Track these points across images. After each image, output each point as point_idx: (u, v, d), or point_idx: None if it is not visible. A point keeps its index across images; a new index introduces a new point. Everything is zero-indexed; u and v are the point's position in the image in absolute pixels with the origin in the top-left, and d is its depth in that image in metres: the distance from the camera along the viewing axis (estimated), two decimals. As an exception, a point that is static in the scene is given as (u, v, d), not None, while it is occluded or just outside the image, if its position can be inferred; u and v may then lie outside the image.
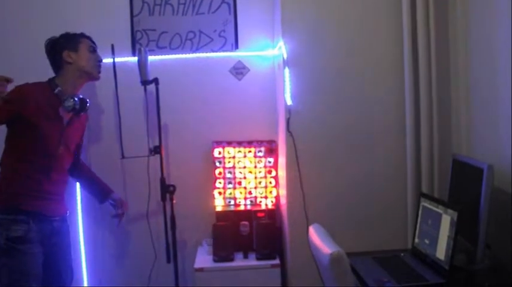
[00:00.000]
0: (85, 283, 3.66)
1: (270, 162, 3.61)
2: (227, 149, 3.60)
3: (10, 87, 2.61)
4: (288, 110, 3.18)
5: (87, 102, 3.00)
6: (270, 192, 3.61)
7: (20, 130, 2.77)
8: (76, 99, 2.90)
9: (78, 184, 3.57)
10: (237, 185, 3.61)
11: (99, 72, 3.09)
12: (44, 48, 2.98)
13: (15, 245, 2.66)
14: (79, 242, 3.62)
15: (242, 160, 3.61)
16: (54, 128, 2.87)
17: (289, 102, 3.17)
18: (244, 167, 3.61)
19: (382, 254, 2.76)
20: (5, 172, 2.82)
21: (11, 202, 2.74)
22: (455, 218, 2.35)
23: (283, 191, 3.46)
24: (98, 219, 3.64)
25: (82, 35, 3.04)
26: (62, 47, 2.93)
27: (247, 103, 3.67)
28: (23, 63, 3.07)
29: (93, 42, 3.08)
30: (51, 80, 2.92)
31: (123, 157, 3.48)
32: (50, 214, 2.88)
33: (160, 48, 3.64)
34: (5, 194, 2.77)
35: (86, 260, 3.66)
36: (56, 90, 2.86)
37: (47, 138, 2.83)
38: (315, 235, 2.41)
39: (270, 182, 3.61)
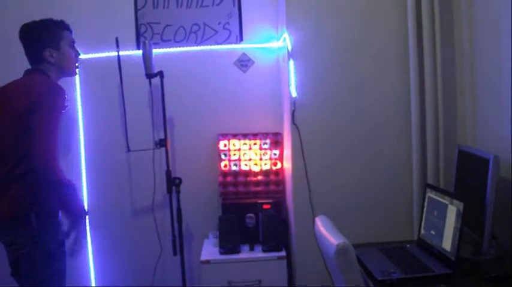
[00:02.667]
0: (92, 276, 3.68)
1: (275, 154, 3.61)
2: (232, 141, 3.60)
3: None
4: (293, 102, 3.18)
5: None
6: (276, 184, 3.61)
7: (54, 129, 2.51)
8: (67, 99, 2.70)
9: (84, 181, 3.60)
10: (242, 177, 3.61)
11: (77, 68, 2.85)
12: (19, 33, 2.70)
13: (62, 247, 2.58)
14: (85, 235, 3.63)
15: (247, 152, 3.61)
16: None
17: (294, 94, 3.17)
18: (250, 160, 3.61)
19: (388, 245, 2.75)
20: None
21: (56, 205, 2.57)
22: (461, 209, 2.35)
23: (288, 183, 3.46)
24: (104, 213, 3.66)
25: (63, 27, 2.75)
26: (43, 44, 2.66)
27: (252, 95, 3.67)
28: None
29: (71, 32, 2.80)
30: (46, 74, 2.67)
31: (128, 150, 3.49)
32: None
33: (164, 41, 3.64)
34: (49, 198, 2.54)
35: (93, 254, 3.68)
36: None
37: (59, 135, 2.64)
38: (320, 226, 2.41)
39: (276, 174, 3.61)
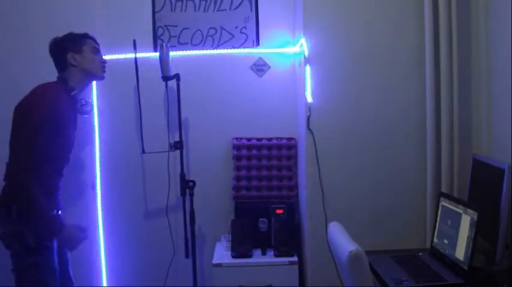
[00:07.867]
0: (103, 277, 3.70)
1: (289, 159, 3.61)
2: (247, 145, 3.61)
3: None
4: (309, 108, 3.19)
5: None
6: (289, 189, 3.61)
7: (48, 138, 2.64)
8: (91, 103, 2.91)
9: (98, 182, 3.63)
10: (256, 182, 3.61)
11: (104, 72, 3.02)
12: (48, 48, 2.90)
13: (44, 242, 2.65)
14: (98, 237, 3.67)
15: (261, 156, 3.61)
16: (73, 130, 2.87)
17: (309, 99, 3.17)
18: (264, 164, 3.61)
19: (401, 253, 2.75)
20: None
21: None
22: (475, 218, 2.34)
23: (302, 189, 3.46)
24: (118, 214, 3.68)
25: (86, 36, 2.96)
26: (65, 49, 2.86)
27: (268, 100, 3.67)
28: (44, 57, 3.06)
29: (97, 43, 3.00)
30: (64, 81, 2.85)
31: (143, 151, 3.51)
32: (61, 210, 2.86)
33: (181, 44, 3.65)
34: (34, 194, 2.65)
35: (105, 255, 3.70)
36: (72, 93, 2.83)
37: (69, 141, 2.84)
38: (333, 232, 2.41)
39: (290, 179, 3.61)
